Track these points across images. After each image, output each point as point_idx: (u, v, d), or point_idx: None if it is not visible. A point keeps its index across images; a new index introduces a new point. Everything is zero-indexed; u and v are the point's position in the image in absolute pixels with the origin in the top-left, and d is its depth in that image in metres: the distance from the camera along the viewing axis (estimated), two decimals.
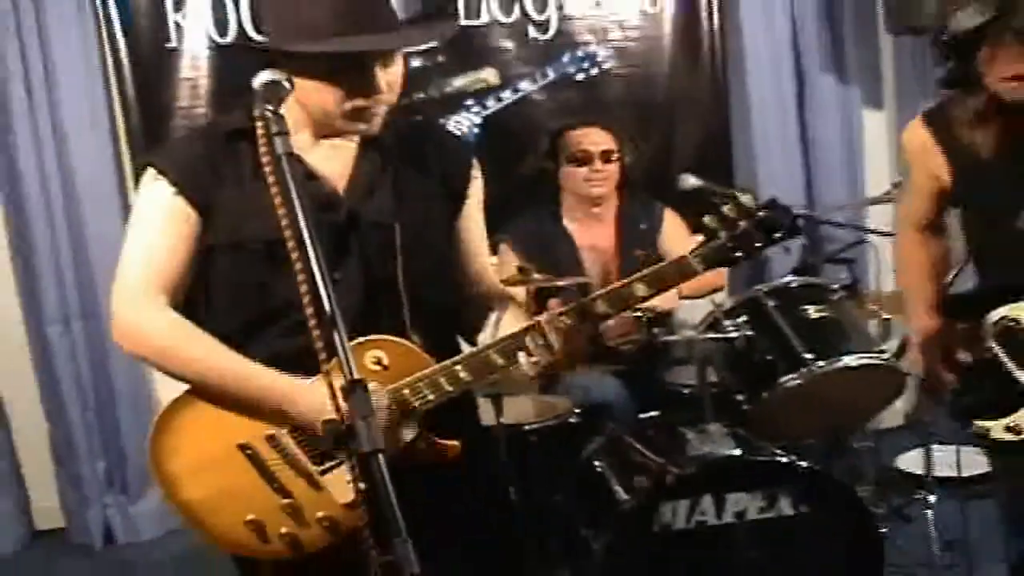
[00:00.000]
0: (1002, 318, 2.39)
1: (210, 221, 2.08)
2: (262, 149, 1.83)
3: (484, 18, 4.54)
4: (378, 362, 2.02)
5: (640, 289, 2.02)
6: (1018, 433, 2.37)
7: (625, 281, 2.03)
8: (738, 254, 1.98)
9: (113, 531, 4.51)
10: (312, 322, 1.68)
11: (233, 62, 4.33)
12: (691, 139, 4.81)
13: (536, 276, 3.21)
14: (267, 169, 1.81)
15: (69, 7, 4.21)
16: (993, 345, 2.38)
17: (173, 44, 4.36)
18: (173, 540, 4.40)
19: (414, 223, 2.12)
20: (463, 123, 4.38)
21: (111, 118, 4.36)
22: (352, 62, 1.99)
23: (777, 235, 1.98)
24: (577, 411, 3.45)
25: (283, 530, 2.05)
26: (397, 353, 2.03)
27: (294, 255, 1.70)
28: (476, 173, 2.28)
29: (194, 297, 2.12)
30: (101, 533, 4.49)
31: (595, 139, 3.95)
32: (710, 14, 4.79)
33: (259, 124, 1.84)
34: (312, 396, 1.96)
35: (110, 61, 4.33)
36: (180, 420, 2.09)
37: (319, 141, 2.12)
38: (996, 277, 2.49)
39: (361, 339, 2.00)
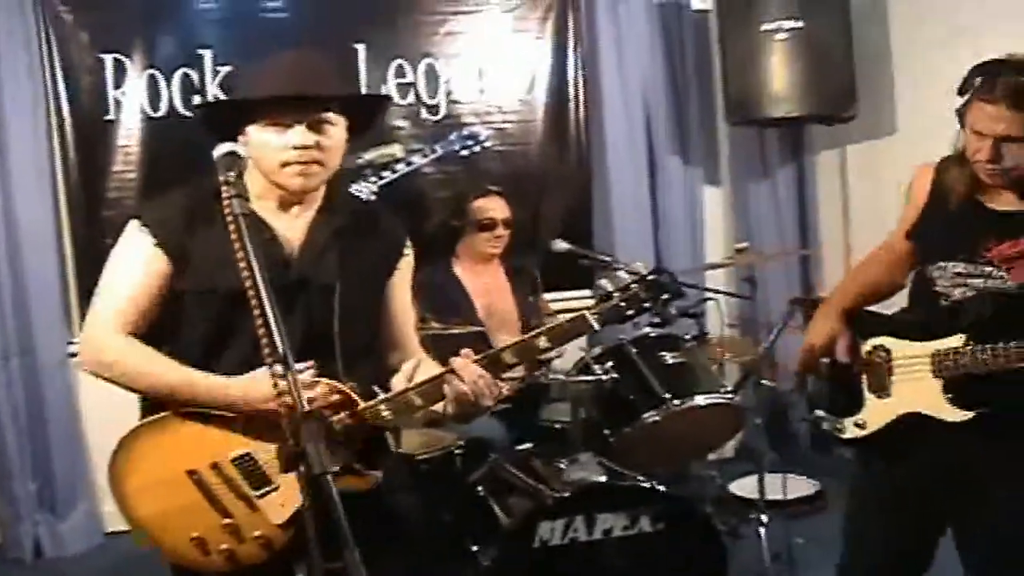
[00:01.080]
0: (878, 345, 2.47)
1: (182, 270, 2.16)
2: (225, 210, 1.92)
3: None
4: (313, 397, 2.05)
5: (543, 342, 2.08)
6: (863, 428, 2.47)
7: (530, 335, 2.09)
8: (630, 313, 2.05)
9: (42, 546, 4.46)
10: (267, 360, 1.73)
11: (163, 133, 4.48)
12: (558, 209, 5.00)
13: (434, 324, 3.33)
14: (231, 227, 1.89)
15: (24, 80, 4.28)
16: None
17: (111, 116, 4.48)
18: (96, 554, 4.42)
19: (352, 286, 2.20)
20: (362, 191, 4.48)
21: (53, 176, 4.43)
22: (285, 111, 2.09)
23: (665, 297, 2.06)
24: (461, 443, 3.47)
25: (223, 546, 2.11)
26: (328, 391, 2.09)
27: (252, 302, 1.77)
28: (408, 251, 2.38)
29: (160, 333, 2.17)
30: (31, 548, 4.44)
31: (498, 207, 4.05)
32: (576, 104, 5.01)
33: (223, 188, 1.93)
34: (258, 386, 2.02)
35: (55, 128, 4.43)
36: (138, 445, 2.15)
37: (285, 210, 2.23)
38: (901, 315, 2.51)
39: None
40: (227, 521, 2.11)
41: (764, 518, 3.80)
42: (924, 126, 3.19)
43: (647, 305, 2.06)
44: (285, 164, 2.14)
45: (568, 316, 2.09)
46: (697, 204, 5.18)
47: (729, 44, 4.80)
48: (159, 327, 2.18)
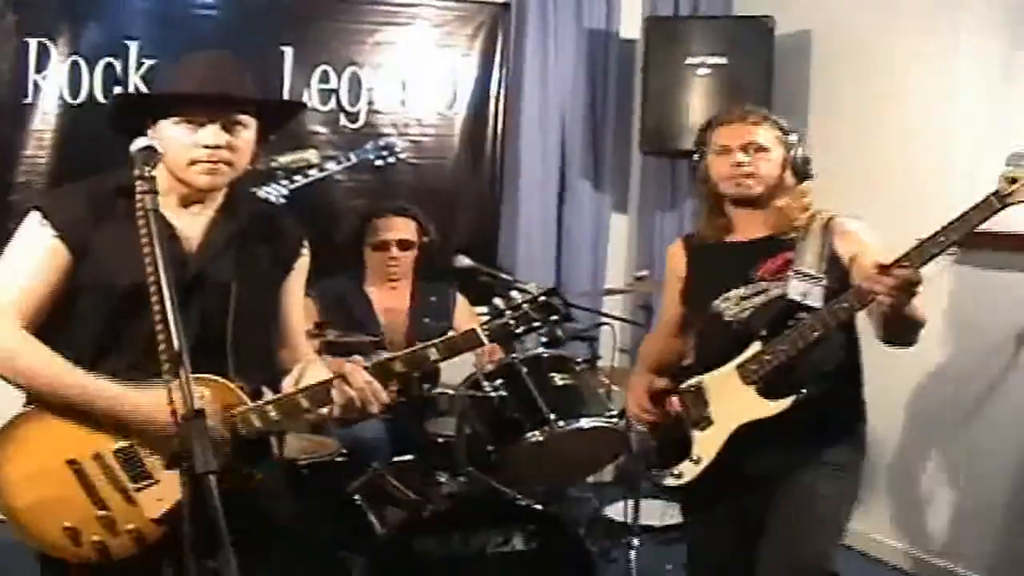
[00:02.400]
0: (689, 385, 2.66)
1: (82, 264, 2.12)
2: (137, 204, 1.87)
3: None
4: (200, 396, 1.99)
5: (433, 354, 2.13)
6: (679, 478, 2.64)
7: (421, 346, 2.13)
8: (519, 331, 2.12)
9: None
10: (163, 355, 1.72)
11: (79, 121, 4.38)
12: (467, 225, 4.99)
13: (330, 332, 3.32)
14: (140, 222, 1.84)
15: None
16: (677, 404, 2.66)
17: (29, 100, 4.37)
18: None
19: (248, 287, 2.19)
20: (272, 193, 4.46)
21: None
22: (198, 109, 2.09)
23: (554, 317, 2.13)
24: (344, 451, 3.47)
25: (95, 538, 2.09)
26: (217, 390, 2.10)
27: (153, 298, 1.75)
28: (304, 251, 2.37)
29: (52, 328, 2.12)
30: None
31: (397, 228, 4.00)
32: (495, 122, 5.04)
33: (138, 183, 1.88)
34: (152, 402, 2.00)
35: None
36: (21, 432, 2.12)
37: (186, 208, 2.21)
38: (703, 356, 2.71)
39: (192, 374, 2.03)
40: (102, 513, 2.09)
41: (636, 542, 3.84)
42: (831, 166, 3.26)
43: (536, 324, 2.13)
44: (194, 162, 2.13)
45: (460, 332, 2.15)
46: (603, 229, 5.22)
47: (652, 74, 4.87)
48: (49, 323, 2.14)
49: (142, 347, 2.05)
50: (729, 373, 2.56)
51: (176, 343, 1.72)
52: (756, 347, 2.52)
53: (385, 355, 2.17)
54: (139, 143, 1.94)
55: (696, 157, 2.73)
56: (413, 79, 4.90)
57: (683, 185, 5.22)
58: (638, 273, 4.45)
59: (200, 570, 1.68)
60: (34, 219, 2.15)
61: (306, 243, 2.38)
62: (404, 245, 4.01)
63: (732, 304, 2.60)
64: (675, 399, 2.69)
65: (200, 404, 1.70)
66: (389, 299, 4.05)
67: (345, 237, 4.17)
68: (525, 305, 2.12)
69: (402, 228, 4.03)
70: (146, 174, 1.90)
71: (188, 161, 2.14)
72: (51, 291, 2.13)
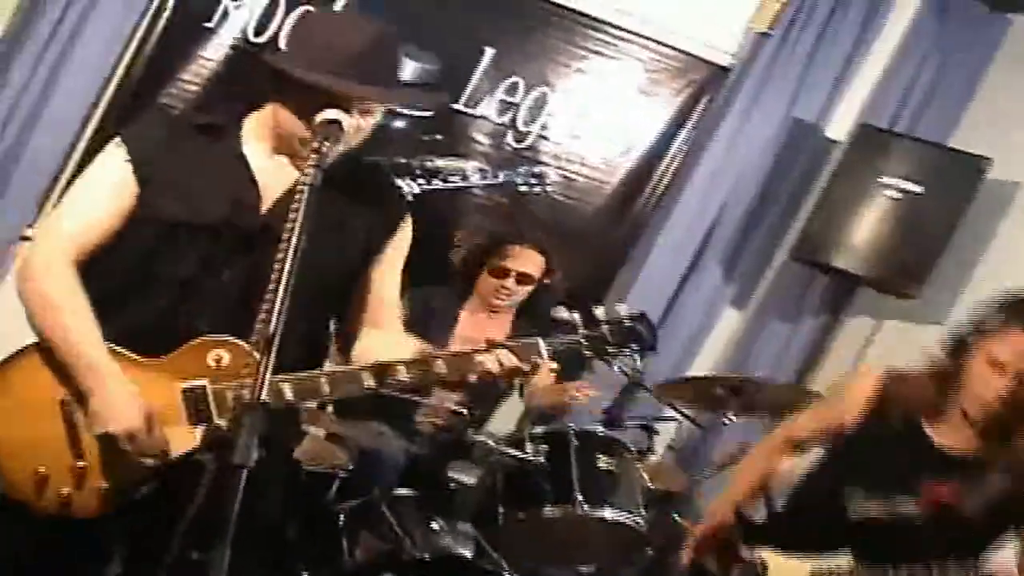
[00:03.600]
0: (755, 561, 2.41)
1: (148, 194, 2.05)
2: (303, 177, 1.78)
3: (479, 110, 4.51)
4: (217, 361, 2.00)
5: (483, 363, 1.91)
6: None
7: (470, 350, 1.92)
8: (588, 354, 1.89)
9: None
10: (257, 333, 1.61)
11: (247, 63, 4.14)
12: (582, 274, 4.63)
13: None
14: (296, 197, 1.73)
15: None
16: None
17: (212, 24, 4.18)
18: None
19: (322, 249, 1.93)
20: (407, 186, 4.28)
21: (120, 54, 4.15)
22: (335, 103, 1.93)
23: (635, 347, 1.89)
24: (350, 468, 3.35)
25: (64, 490, 2.02)
26: (237, 356, 1.96)
27: (273, 272, 1.63)
28: (406, 226, 2.21)
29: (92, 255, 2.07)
30: None
31: (526, 260, 3.82)
32: (659, 182, 4.81)
33: (313, 156, 1.79)
34: (117, 397, 1.94)
35: (152, 10, 4.12)
36: (25, 360, 2.08)
37: (272, 156, 2.11)
38: (789, 526, 2.44)
39: (212, 336, 1.99)
40: (79, 464, 2.03)
41: None
42: None
43: (610, 351, 1.90)
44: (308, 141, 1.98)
45: (521, 338, 1.94)
46: (712, 319, 4.94)
47: (839, 181, 4.65)
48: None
49: (177, 294, 2.00)
50: (801, 572, 2.34)
51: (271, 327, 1.60)
52: (843, 562, 2.27)
53: (428, 348, 1.98)
54: (327, 115, 1.86)
55: (952, 340, 2.36)
56: (597, 116, 4.71)
57: (813, 301, 4.94)
58: (728, 374, 4.23)
59: (180, 559, 1.67)
60: (113, 146, 2.11)
61: (408, 220, 2.22)
62: (524, 279, 3.86)
63: (868, 505, 2.35)
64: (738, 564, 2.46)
65: (202, 368, 1.68)
66: (478, 328, 3.86)
67: (467, 253, 4.08)
68: (606, 326, 1.89)
69: (531, 262, 3.88)
70: (324, 149, 1.82)
71: (302, 139, 2.01)
72: (113, 223, 2.08)
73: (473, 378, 1.93)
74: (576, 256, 4.64)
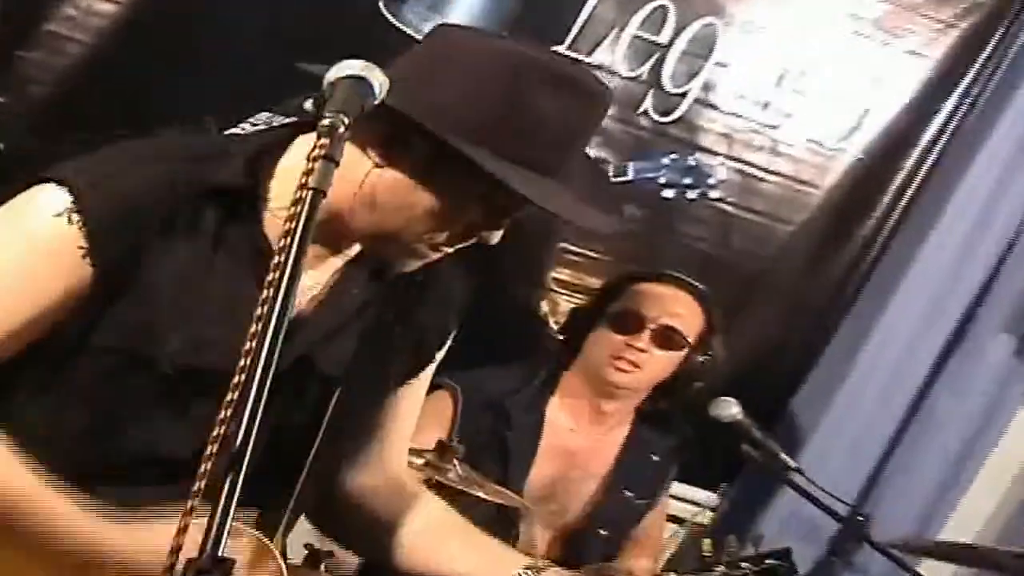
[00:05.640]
0: None
1: (108, 296, 1.47)
2: (277, 222, 1.41)
3: (596, 58, 3.03)
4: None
5: None
6: None
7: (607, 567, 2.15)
8: None
9: None
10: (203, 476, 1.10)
11: None
12: (761, 348, 3.23)
13: (455, 471, 2.22)
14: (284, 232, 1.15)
15: None
16: None
17: None
18: None
19: (361, 385, 1.65)
20: None
21: None
22: (492, 199, 1.52)
23: None
24: None
25: None
26: (257, 552, 1.54)
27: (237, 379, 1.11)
28: (448, 342, 1.87)
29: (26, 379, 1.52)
30: None
31: (673, 305, 2.67)
32: (910, 181, 3.22)
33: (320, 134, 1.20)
34: (138, 544, 1.47)
35: None
36: None
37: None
38: None
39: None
40: None
41: None
42: None
43: None
44: (423, 238, 1.58)
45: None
46: (980, 446, 3.36)
47: None
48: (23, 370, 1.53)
49: (163, 452, 1.53)
50: None
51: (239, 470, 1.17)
52: None
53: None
54: (351, 67, 1.31)
55: None
56: (800, 69, 3.14)
57: None
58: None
59: None
60: (49, 196, 1.49)
61: (454, 330, 1.82)
62: (668, 339, 2.65)
63: None
64: None
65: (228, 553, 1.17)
66: (577, 436, 2.72)
67: (580, 307, 2.90)
68: (745, 565, 2.09)
69: (683, 308, 2.68)
70: (341, 126, 1.23)
71: (417, 234, 1.60)
72: (46, 321, 1.49)
73: None
74: (754, 316, 3.25)
